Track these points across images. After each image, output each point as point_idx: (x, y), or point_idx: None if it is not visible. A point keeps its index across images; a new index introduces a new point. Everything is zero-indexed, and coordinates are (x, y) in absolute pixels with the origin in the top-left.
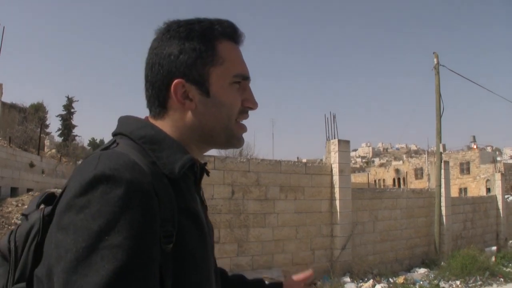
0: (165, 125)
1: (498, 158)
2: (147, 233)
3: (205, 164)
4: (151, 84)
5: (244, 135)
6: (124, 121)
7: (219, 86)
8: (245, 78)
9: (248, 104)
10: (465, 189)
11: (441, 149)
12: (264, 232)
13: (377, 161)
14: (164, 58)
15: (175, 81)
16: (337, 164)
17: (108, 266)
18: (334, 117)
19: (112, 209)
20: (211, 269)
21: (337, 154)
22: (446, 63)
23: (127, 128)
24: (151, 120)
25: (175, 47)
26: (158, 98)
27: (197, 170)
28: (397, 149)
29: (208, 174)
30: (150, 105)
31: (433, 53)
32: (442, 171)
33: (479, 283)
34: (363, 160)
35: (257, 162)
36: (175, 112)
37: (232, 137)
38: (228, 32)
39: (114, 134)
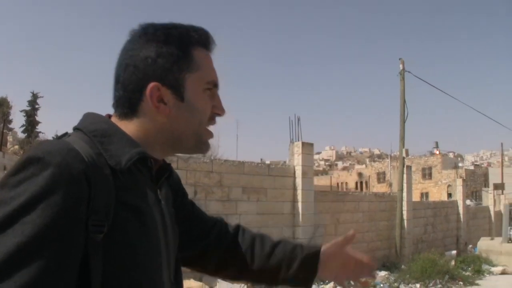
0: (130, 126)
1: (460, 164)
2: (65, 216)
3: (169, 164)
4: (123, 85)
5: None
6: (84, 116)
7: (193, 92)
8: (216, 85)
9: (217, 110)
10: (427, 193)
11: (404, 154)
12: None
13: (340, 164)
14: (141, 61)
15: (151, 84)
16: (300, 167)
17: (14, 240)
18: (298, 119)
19: (35, 189)
20: (159, 272)
21: (300, 156)
22: (413, 69)
23: (83, 123)
24: (115, 119)
25: (153, 50)
26: (129, 100)
27: (152, 166)
28: (361, 153)
29: (171, 173)
30: (117, 105)
31: (399, 59)
32: (404, 175)
33: (439, 286)
34: (327, 163)
35: (220, 163)
36: (145, 115)
37: (200, 142)
38: (202, 40)
39: (74, 129)
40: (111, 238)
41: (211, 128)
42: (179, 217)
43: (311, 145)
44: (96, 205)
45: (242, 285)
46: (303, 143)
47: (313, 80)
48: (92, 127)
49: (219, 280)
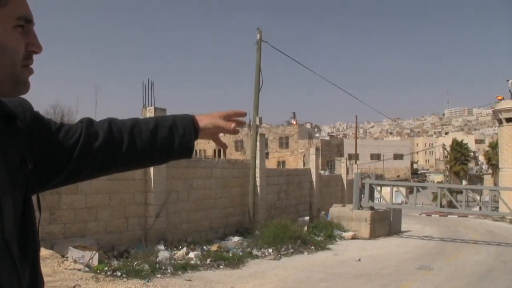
0: None
1: (317, 135)
2: None
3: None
4: None
5: (66, 100)
6: None
7: (1, 30)
8: (29, 21)
9: (32, 48)
10: (284, 162)
11: (257, 122)
12: (77, 199)
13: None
14: None
15: None
16: None
17: None
18: (152, 84)
19: None
20: None
21: None
22: (273, 41)
23: None
24: None
25: None
26: None
27: None
28: None
29: (13, 116)
30: None
31: (257, 28)
32: (258, 143)
33: (291, 251)
34: None
35: None
36: None
37: (18, 83)
38: None
39: None
40: None
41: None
42: (42, 152)
43: (164, 110)
44: None
45: (93, 252)
46: (155, 108)
47: (173, 46)
48: None
49: (70, 248)
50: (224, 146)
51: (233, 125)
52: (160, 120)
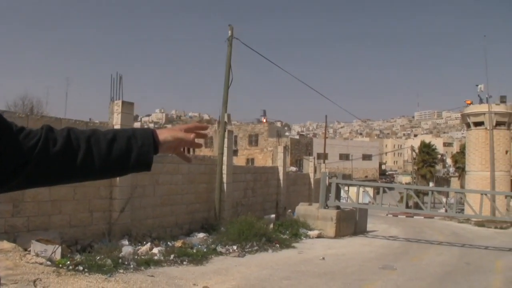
0: None
1: (287, 133)
2: None
3: None
4: None
5: (35, 92)
6: None
7: None
8: None
9: None
10: (253, 159)
11: (226, 119)
12: (41, 192)
13: (169, 127)
14: None
15: None
16: (119, 126)
17: None
18: (120, 78)
19: None
20: None
21: (120, 115)
22: (246, 39)
23: None
24: None
25: None
26: None
27: None
28: (190, 117)
29: None
30: None
31: (229, 25)
32: (226, 140)
33: (256, 248)
34: (156, 126)
35: (37, 118)
36: None
37: None
38: None
39: None
40: None
41: None
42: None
43: (132, 104)
44: None
45: (56, 245)
46: (123, 102)
47: (143, 39)
48: None
49: (33, 241)
50: (189, 160)
51: (192, 135)
52: (119, 132)
